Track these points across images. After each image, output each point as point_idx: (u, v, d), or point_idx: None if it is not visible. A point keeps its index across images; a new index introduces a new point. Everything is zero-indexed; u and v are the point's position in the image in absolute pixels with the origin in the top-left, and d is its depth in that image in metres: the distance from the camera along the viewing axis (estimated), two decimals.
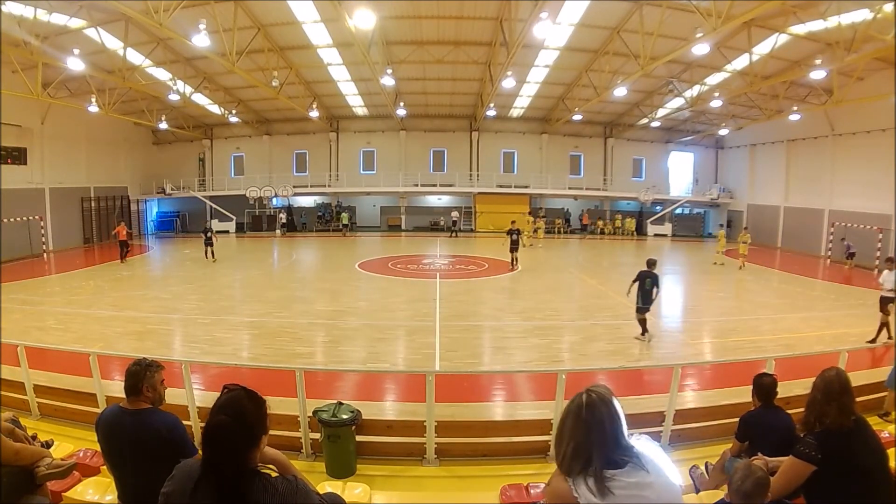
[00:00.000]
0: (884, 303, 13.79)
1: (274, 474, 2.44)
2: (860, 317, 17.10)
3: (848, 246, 27.96)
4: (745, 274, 20.99)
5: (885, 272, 14.12)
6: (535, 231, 36.59)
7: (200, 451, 2.42)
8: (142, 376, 3.76)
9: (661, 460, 2.38)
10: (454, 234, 40.49)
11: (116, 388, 5.24)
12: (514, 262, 25.05)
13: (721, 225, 31.50)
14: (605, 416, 2.31)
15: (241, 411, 2.34)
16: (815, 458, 3.44)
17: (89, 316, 16.04)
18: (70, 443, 5.98)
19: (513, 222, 25.79)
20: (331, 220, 44.87)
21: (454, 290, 20.38)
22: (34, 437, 5.05)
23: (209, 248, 27.45)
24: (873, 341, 13.26)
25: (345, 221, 42.24)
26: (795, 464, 3.52)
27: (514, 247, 24.92)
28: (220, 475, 2.28)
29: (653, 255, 14.44)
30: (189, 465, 2.45)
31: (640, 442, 2.40)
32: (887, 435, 6.19)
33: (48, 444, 5.25)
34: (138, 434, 3.56)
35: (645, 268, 13.69)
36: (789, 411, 5.15)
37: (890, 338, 13.28)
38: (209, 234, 27.86)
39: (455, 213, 42.02)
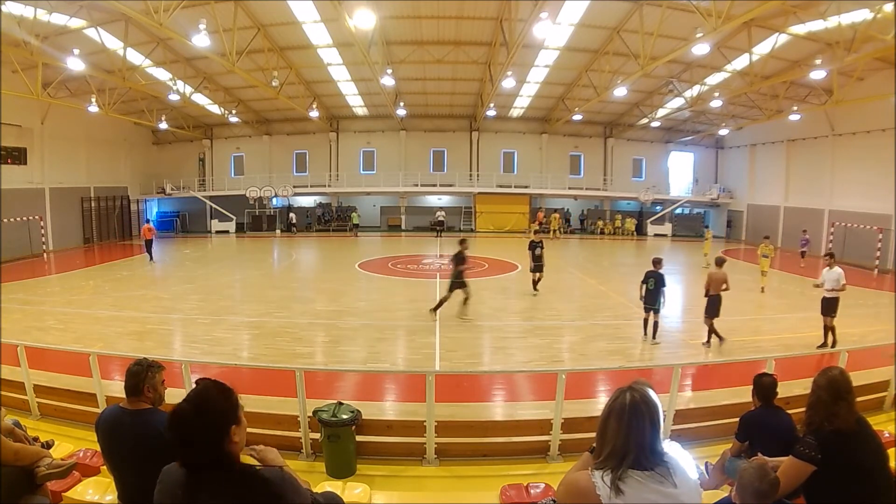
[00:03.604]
0: (826, 305, 13.19)
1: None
2: (860, 317, 17.10)
3: (805, 241, 27.72)
4: (744, 274, 20.95)
5: (825, 270, 13.41)
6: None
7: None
8: (143, 376, 3.77)
9: (687, 465, 2.40)
10: (439, 234, 40.35)
11: (116, 388, 5.24)
12: (537, 284, 19.44)
13: (707, 226, 31.22)
14: (647, 418, 2.32)
15: (205, 399, 2.32)
16: (814, 458, 3.44)
17: (89, 316, 16.05)
18: (70, 443, 5.98)
19: (536, 232, 20.54)
20: (331, 220, 44.84)
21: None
22: (36, 439, 5.05)
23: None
24: (824, 345, 12.88)
25: (355, 221, 42.21)
26: (795, 464, 3.52)
27: (538, 264, 19.10)
28: (190, 464, 2.26)
29: (654, 254, 14.44)
30: (175, 470, 2.39)
31: (672, 448, 2.41)
32: (888, 435, 6.19)
33: (49, 445, 5.26)
34: (139, 434, 3.56)
35: (651, 268, 13.80)
36: (789, 411, 5.15)
37: (826, 343, 12.93)
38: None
39: (441, 213, 41.97)
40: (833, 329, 13.01)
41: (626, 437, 2.31)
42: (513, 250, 31.55)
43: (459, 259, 15.52)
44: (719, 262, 13.71)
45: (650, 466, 2.30)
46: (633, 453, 2.29)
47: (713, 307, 13.19)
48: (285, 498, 2.34)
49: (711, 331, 13.20)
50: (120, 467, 3.69)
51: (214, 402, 2.33)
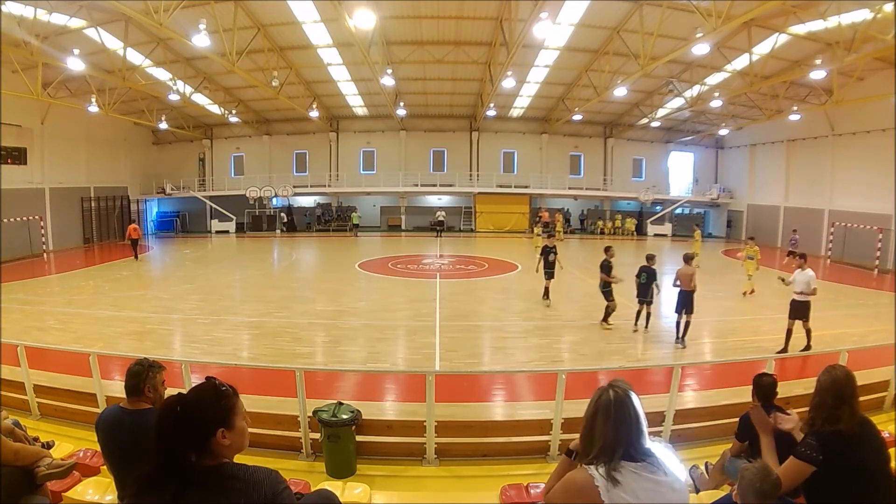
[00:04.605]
0: (796, 308, 12.70)
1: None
2: (860, 317, 17.13)
3: (794, 241, 27.54)
4: (744, 274, 20.83)
5: (797, 272, 12.88)
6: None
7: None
8: (144, 376, 3.77)
9: (673, 463, 2.45)
10: (439, 234, 40.36)
11: (116, 388, 5.25)
12: (548, 294, 18.05)
13: (697, 225, 31.14)
14: (633, 413, 2.40)
15: (196, 395, 2.30)
16: (815, 458, 3.43)
17: (89, 316, 16.05)
18: (70, 443, 5.98)
19: (550, 236, 20.04)
20: (331, 220, 44.86)
21: (454, 290, 20.39)
22: (36, 440, 5.05)
23: None
24: (784, 350, 12.39)
25: (355, 221, 42.13)
26: (796, 464, 3.52)
27: (550, 270, 17.82)
28: (169, 462, 2.23)
29: (654, 255, 14.58)
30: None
31: (655, 445, 2.46)
32: (888, 435, 6.19)
33: (49, 445, 5.26)
34: (139, 434, 3.54)
35: (645, 263, 14.34)
36: (789, 411, 5.14)
37: (786, 349, 12.46)
38: None
39: (441, 213, 41.96)
40: (809, 332, 12.60)
41: (615, 432, 2.38)
42: (513, 250, 31.60)
43: (606, 268, 14.95)
44: (687, 259, 13.87)
45: (640, 459, 2.36)
46: (622, 447, 2.36)
47: (681, 303, 13.46)
48: (273, 495, 2.26)
49: (685, 327, 13.40)
50: (120, 467, 3.69)
51: (204, 399, 2.29)
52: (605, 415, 2.41)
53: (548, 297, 18.04)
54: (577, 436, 2.73)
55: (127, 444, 3.57)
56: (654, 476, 2.34)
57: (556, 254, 18.02)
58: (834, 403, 3.54)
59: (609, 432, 2.39)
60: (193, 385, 2.42)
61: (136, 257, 28.25)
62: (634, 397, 2.44)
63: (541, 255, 18.32)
